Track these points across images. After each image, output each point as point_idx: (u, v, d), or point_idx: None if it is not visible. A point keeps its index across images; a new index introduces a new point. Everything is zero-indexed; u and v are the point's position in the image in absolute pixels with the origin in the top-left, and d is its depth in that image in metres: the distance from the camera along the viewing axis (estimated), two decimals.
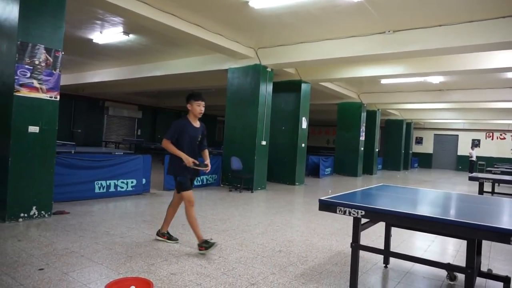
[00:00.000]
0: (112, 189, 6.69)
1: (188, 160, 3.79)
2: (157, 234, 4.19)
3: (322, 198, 2.80)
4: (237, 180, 8.68)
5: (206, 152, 4.15)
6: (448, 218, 2.25)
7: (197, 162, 3.88)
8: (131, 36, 8.56)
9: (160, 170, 7.99)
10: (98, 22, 7.77)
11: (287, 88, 10.57)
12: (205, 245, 3.76)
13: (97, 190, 6.45)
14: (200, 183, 8.73)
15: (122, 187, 6.85)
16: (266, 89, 9.03)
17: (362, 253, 3.34)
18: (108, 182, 6.62)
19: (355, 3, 5.79)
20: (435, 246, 4.70)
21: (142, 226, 4.77)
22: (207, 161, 4.03)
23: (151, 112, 22.27)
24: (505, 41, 5.92)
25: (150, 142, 19.57)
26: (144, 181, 7.28)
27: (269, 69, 9.03)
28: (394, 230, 3.75)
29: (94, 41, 9.02)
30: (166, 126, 22.73)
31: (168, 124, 19.88)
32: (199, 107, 3.90)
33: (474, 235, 2.19)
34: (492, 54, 7.75)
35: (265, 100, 9.01)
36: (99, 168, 6.54)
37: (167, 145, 3.85)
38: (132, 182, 7.01)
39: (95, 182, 6.43)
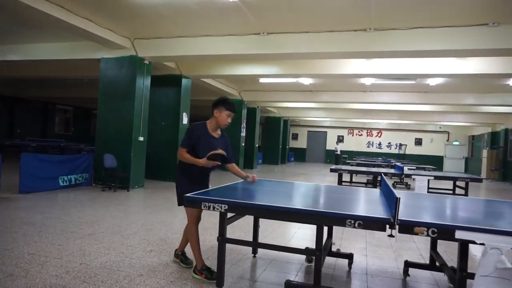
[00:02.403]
0: None
1: (203, 161, 3.08)
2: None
3: (188, 194, 2.80)
4: (112, 179, 8.08)
5: (235, 166, 3.47)
6: (296, 207, 2.50)
7: (213, 159, 3.09)
8: None
9: (16, 170, 6.89)
10: None
11: (167, 82, 10.26)
12: (206, 273, 3.14)
13: None
14: (68, 183, 7.86)
15: None
16: (144, 82, 8.61)
17: (233, 245, 3.45)
18: None
19: (230, 3, 5.92)
20: (301, 232, 5.16)
21: None
22: (246, 174, 3.44)
23: (7, 103, 19.06)
24: (356, 51, 6.91)
25: (6, 138, 16.74)
26: None
27: (146, 62, 8.62)
28: (266, 221, 3.99)
29: None
30: (27, 119, 19.85)
31: (31, 117, 17.33)
32: (227, 118, 3.26)
33: (319, 221, 2.47)
34: (349, 62, 8.92)
35: (142, 94, 8.59)
36: None
37: (183, 154, 3.20)
38: None
39: None
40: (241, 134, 15.22)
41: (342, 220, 2.32)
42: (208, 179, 3.46)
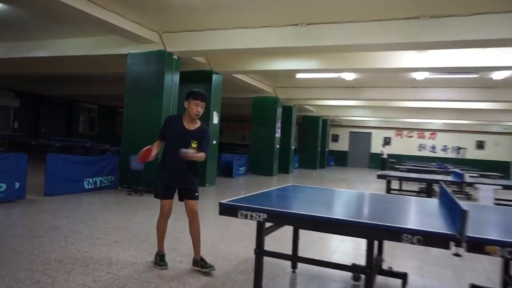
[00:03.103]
0: None
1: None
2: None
3: (223, 201, 2.80)
4: (138, 182, 8.30)
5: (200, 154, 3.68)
6: (346, 219, 2.42)
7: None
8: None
9: (41, 170, 7.24)
10: None
11: (197, 78, 10.41)
12: (158, 258, 3.83)
13: None
14: (93, 186, 8.16)
15: None
16: (172, 78, 8.79)
17: (270, 258, 3.43)
18: None
19: None
20: (345, 246, 5.04)
21: (8, 242, 4.25)
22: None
23: (33, 100, 20.11)
24: (408, 42, 6.70)
25: (31, 137, 17.70)
26: (17, 185, 6.53)
27: (175, 57, 8.79)
28: (305, 232, 3.93)
29: None
30: (52, 118, 20.85)
31: (56, 116, 18.13)
32: (196, 108, 3.68)
33: (370, 234, 2.39)
34: (399, 54, 8.66)
35: (171, 91, 8.77)
36: None
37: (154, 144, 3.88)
38: None
39: None
40: (276, 135, 15.17)
41: (397, 234, 2.23)
42: (183, 175, 3.76)
